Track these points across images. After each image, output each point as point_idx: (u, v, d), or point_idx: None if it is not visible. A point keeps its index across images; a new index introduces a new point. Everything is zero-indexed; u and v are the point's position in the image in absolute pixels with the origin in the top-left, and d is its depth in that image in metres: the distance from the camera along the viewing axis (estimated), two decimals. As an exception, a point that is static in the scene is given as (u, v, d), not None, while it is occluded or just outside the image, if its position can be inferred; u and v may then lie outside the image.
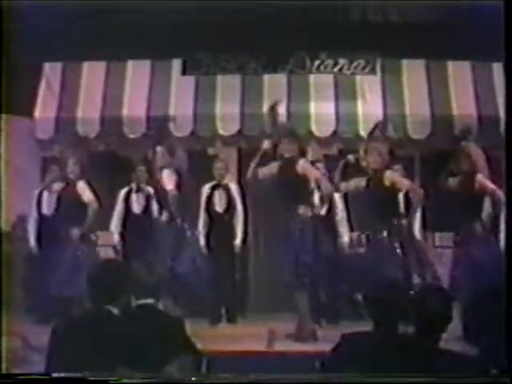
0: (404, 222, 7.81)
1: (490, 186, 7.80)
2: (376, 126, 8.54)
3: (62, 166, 8.69)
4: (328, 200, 8.48)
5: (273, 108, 8.31)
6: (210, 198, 8.72)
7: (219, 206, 8.74)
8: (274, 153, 7.86)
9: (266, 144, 7.96)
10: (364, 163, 7.73)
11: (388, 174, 7.54)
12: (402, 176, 8.23)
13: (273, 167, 7.81)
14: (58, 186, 8.65)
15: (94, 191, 8.44)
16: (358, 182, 7.89)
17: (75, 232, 8.34)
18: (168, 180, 8.70)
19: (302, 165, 7.64)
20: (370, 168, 7.64)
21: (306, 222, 7.73)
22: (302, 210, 7.64)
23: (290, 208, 7.60)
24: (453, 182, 8.10)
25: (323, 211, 8.57)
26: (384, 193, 7.53)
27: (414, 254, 8.40)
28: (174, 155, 8.85)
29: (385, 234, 7.67)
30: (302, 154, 7.89)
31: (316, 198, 8.22)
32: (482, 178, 7.91)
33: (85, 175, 8.54)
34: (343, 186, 8.14)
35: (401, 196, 7.87)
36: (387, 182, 7.54)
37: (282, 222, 7.75)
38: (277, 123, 8.23)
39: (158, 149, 8.79)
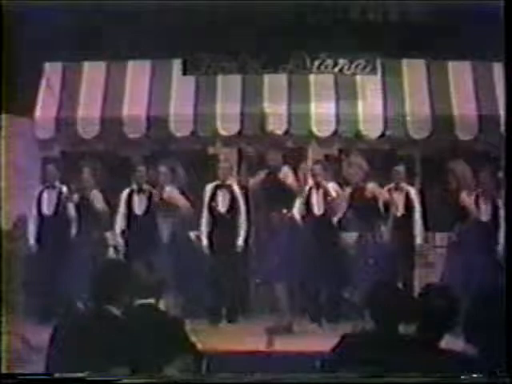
0: (400, 224, 8.38)
1: (471, 206, 8.34)
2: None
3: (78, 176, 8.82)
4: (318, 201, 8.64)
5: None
6: (212, 198, 8.74)
7: (222, 205, 8.76)
8: (262, 161, 8.58)
9: (250, 150, 8.45)
10: (346, 175, 8.53)
11: (370, 186, 8.40)
12: (402, 178, 8.71)
13: (260, 175, 8.50)
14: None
15: (106, 199, 8.57)
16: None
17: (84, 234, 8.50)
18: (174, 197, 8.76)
19: (283, 172, 8.48)
20: (352, 180, 8.44)
21: (295, 224, 8.42)
22: (289, 213, 8.35)
23: (275, 211, 8.36)
24: (440, 198, 8.40)
25: (319, 212, 8.62)
26: (367, 202, 8.34)
27: (413, 255, 8.51)
28: (175, 173, 8.84)
29: (380, 235, 8.00)
30: (287, 161, 8.63)
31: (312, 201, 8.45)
32: (465, 197, 8.36)
33: (99, 184, 8.69)
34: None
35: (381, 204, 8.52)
36: (369, 194, 8.37)
37: (272, 225, 8.28)
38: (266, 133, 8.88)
39: (162, 169, 8.78)
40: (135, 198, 8.84)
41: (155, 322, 4.24)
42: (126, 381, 3.61)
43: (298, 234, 8.54)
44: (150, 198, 8.82)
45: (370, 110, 9.77)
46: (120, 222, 8.82)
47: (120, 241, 8.76)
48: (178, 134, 9.86)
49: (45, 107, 9.94)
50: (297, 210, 8.57)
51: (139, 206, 8.82)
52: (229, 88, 9.93)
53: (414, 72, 9.93)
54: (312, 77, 9.99)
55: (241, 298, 9.03)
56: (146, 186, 8.85)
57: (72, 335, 4.01)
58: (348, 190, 8.51)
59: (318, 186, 8.65)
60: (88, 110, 9.91)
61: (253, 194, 8.75)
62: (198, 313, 8.25)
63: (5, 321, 6.16)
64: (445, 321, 3.70)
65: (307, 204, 8.64)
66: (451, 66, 9.91)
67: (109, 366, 3.77)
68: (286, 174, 8.47)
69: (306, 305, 8.69)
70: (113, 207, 8.88)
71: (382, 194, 8.46)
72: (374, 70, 9.94)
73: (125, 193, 8.87)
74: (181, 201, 8.66)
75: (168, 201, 8.64)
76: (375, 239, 8.30)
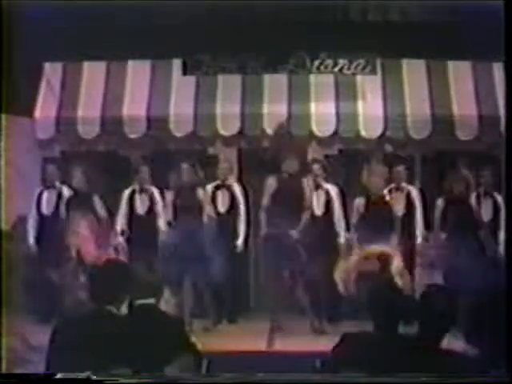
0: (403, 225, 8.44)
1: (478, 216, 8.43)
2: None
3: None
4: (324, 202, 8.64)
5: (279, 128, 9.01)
6: (212, 198, 8.74)
7: (222, 206, 8.76)
8: (277, 167, 8.52)
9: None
10: (366, 183, 8.44)
11: (388, 198, 8.46)
12: (402, 178, 8.78)
13: (274, 180, 8.44)
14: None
15: (106, 204, 8.65)
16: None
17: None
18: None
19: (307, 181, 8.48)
20: (373, 188, 8.38)
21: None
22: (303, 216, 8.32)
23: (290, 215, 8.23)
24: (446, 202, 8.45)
25: (319, 213, 8.63)
26: (382, 210, 8.32)
27: (413, 255, 8.52)
28: (197, 173, 8.78)
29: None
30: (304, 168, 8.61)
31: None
32: (475, 205, 8.48)
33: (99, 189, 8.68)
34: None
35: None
36: (386, 204, 8.40)
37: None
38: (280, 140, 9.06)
39: (184, 166, 8.72)
40: (137, 198, 8.84)
41: (155, 322, 4.24)
42: (126, 381, 3.62)
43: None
44: (151, 198, 8.81)
45: (370, 110, 9.77)
46: (121, 222, 8.81)
47: (121, 241, 8.75)
48: (178, 134, 9.86)
49: (45, 107, 9.94)
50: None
51: (141, 206, 8.82)
52: (229, 88, 9.94)
53: (413, 72, 9.93)
54: (312, 77, 9.99)
55: (241, 298, 9.03)
56: (147, 186, 8.84)
57: (72, 335, 4.01)
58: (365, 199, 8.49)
59: (317, 186, 8.66)
60: (88, 110, 9.91)
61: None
62: (199, 313, 8.25)
63: (5, 321, 6.15)
64: (445, 321, 3.70)
65: None
66: (451, 65, 9.91)
67: (109, 366, 3.77)
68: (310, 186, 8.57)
69: (307, 305, 8.69)
70: (113, 208, 8.88)
71: (396, 208, 8.56)
72: (373, 70, 9.94)
73: (126, 193, 8.87)
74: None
75: None
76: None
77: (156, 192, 8.81)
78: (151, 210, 8.78)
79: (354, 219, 8.49)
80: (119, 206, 8.85)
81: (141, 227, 8.69)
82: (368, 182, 8.43)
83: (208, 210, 8.61)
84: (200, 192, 8.62)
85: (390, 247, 7.83)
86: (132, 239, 8.70)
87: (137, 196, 8.83)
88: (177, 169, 8.69)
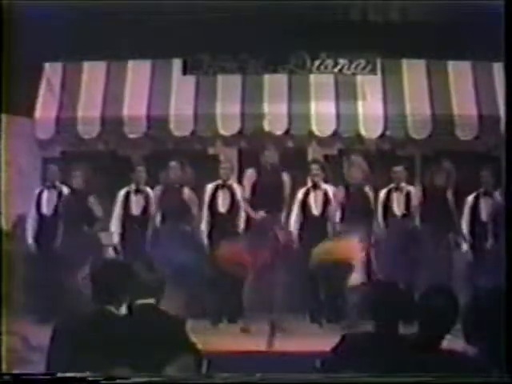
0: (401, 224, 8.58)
1: (453, 204, 8.60)
2: None
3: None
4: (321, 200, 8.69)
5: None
6: (213, 198, 8.75)
7: (222, 205, 8.77)
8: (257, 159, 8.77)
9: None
10: (347, 176, 8.60)
11: (367, 189, 8.57)
12: (402, 178, 8.82)
13: (254, 172, 8.74)
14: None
15: (102, 204, 8.69)
16: None
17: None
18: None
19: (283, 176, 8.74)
20: (352, 180, 8.52)
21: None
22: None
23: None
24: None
25: (317, 213, 8.65)
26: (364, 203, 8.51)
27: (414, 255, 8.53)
28: (184, 170, 8.80)
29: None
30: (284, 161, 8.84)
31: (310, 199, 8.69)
32: (450, 196, 8.62)
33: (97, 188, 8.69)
34: None
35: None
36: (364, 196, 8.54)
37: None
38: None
39: (172, 164, 8.74)
40: (132, 198, 8.84)
41: (155, 322, 4.24)
42: (126, 381, 3.61)
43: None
44: (147, 198, 8.82)
45: (370, 110, 9.77)
46: (118, 222, 8.81)
47: (117, 241, 8.75)
48: (178, 134, 9.87)
49: (45, 107, 9.94)
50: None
51: (136, 206, 8.82)
52: (229, 88, 9.94)
53: (413, 72, 9.94)
54: (312, 77, 10.00)
55: (241, 298, 9.02)
56: (143, 187, 8.84)
57: (72, 335, 4.01)
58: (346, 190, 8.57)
59: (315, 186, 8.68)
60: (88, 110, 9.92)
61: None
62: (199, 313, 8.24)
63: (5, 321, 6.15)
64: (445, 321, 3.70)
65: (305, 204, 8.67)
66: (451, 65, 9.91)
67: (109, 365, 3.77)
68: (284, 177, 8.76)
69: (306, 305, 8.69)
70: (111, 208, 8.88)
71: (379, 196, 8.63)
72: (374, 70, 9.94)
73: (121, 193, 8.87)
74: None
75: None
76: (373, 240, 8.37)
77: (151, 193, 8.81)
78: (146, 210, 8.79)
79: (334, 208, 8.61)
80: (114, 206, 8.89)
81: (136, 228, 8.71)
82: (347, 173, 8.54)
83: (194, 210, 8.66)
84: (186, 191, 8.67)
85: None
86: (127, 239, 8.71)
87: (132, 197, 8.83)
88: (166, 167, 8.75)
